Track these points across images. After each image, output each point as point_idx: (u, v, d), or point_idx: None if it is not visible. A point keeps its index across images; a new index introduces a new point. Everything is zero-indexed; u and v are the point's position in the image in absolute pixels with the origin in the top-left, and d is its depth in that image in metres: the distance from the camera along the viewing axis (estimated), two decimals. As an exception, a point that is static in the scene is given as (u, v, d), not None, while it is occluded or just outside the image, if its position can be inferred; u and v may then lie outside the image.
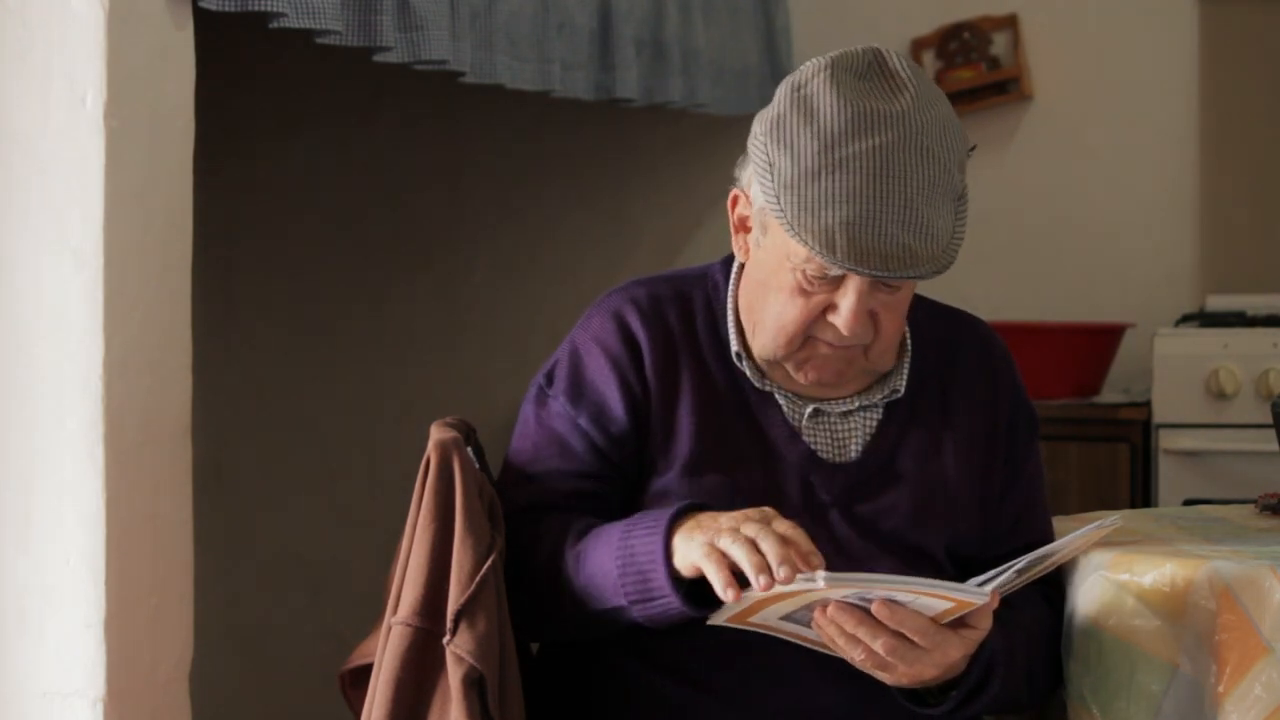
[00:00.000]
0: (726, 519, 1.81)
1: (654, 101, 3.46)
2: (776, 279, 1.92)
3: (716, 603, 1.81)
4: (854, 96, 1.86)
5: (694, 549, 1.80)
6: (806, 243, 1.84)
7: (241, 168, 4.39)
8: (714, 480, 1.95)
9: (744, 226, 1.99)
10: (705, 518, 1.83)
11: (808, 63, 1.93)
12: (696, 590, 1.83)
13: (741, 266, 2.03)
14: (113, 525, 2.17)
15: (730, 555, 1.76)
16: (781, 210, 1.85)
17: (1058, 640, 1.99)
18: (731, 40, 3.77)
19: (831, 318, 1.91)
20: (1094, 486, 3.47)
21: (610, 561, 1.87)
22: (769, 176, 1.87)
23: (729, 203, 2.00)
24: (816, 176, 1.84)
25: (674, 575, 1.83)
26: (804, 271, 1.89)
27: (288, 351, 4.42)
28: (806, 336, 1.93)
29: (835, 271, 1.87)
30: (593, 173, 4.26)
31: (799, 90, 1.89)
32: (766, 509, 1.82)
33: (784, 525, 1.78)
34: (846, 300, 1.89)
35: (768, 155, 1.88)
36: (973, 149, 1.94)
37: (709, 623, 1.85)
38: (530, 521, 1.98)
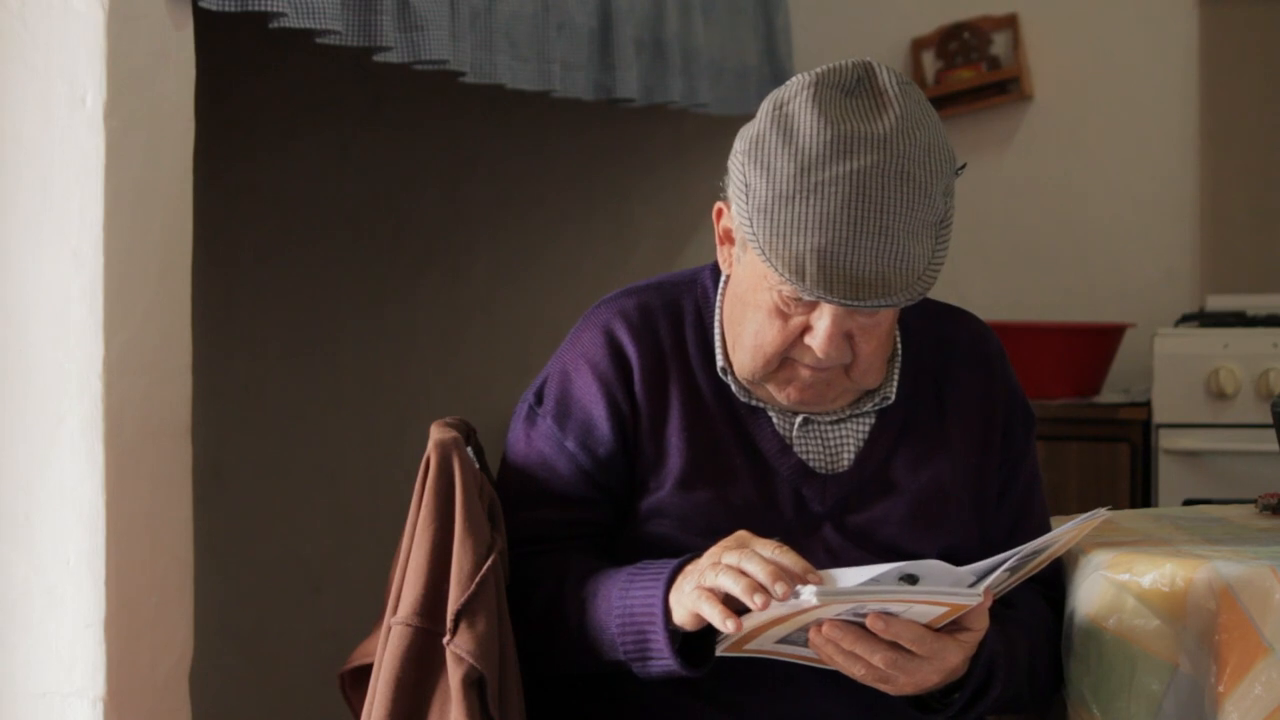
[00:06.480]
0: (707, 556, 1.80)
1: (654, 101, 3.46)
2: (755, 297, 1.91)
3: (712, 660, 1.83)
4: (836, 117, 1.83)
5: (686, 599, 1.80)
6: (777, 268, 1.81)
7: (241, 168, 4.39)
8: (705, 495, 1.94)
9: (728, 239, 1.97)
10: (692, 566, 1.83)
11: (795, 77, 1.89)
12: (693, 647, 1.85)
13: (728, 277, 2.01)
14: (113, 525, 2.17)
15: (721, 588, 1.76)
16: (754, 234, 1.83)
17: (1058, 639, 1.99)
18: (731, 40, 3.77)
19: (808, 340, 1.88)
20: (1094, 486, 3.47)
21: (609, 618, 1.87)
22: (744, 198, 1.85)
23: (714, 214, 1.98)
24: (791, 201, 1.81)
25: (672, 635, 1.83)
26: (780, 293, 1.87)
27: (288, 351, 4.42)
28: (784, 358, 1.91)
29: (807, 297, 1.85)
30: (593, 173, 4.27)
31: (780, 108, 1.86)
32: (742, 534, 1.81)
33: (766, 546, 1.77)
34: (821, 323, 1.86)
35: (744, 175, 1.85)
36: (961, 168, 1.90)
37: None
38: (523, 561, 1.97)
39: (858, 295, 1.81)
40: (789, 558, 1.75)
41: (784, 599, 1.72)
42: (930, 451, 2.00)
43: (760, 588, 1.72)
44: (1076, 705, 1.94)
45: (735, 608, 1.76)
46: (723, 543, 1.80)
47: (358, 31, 2.46)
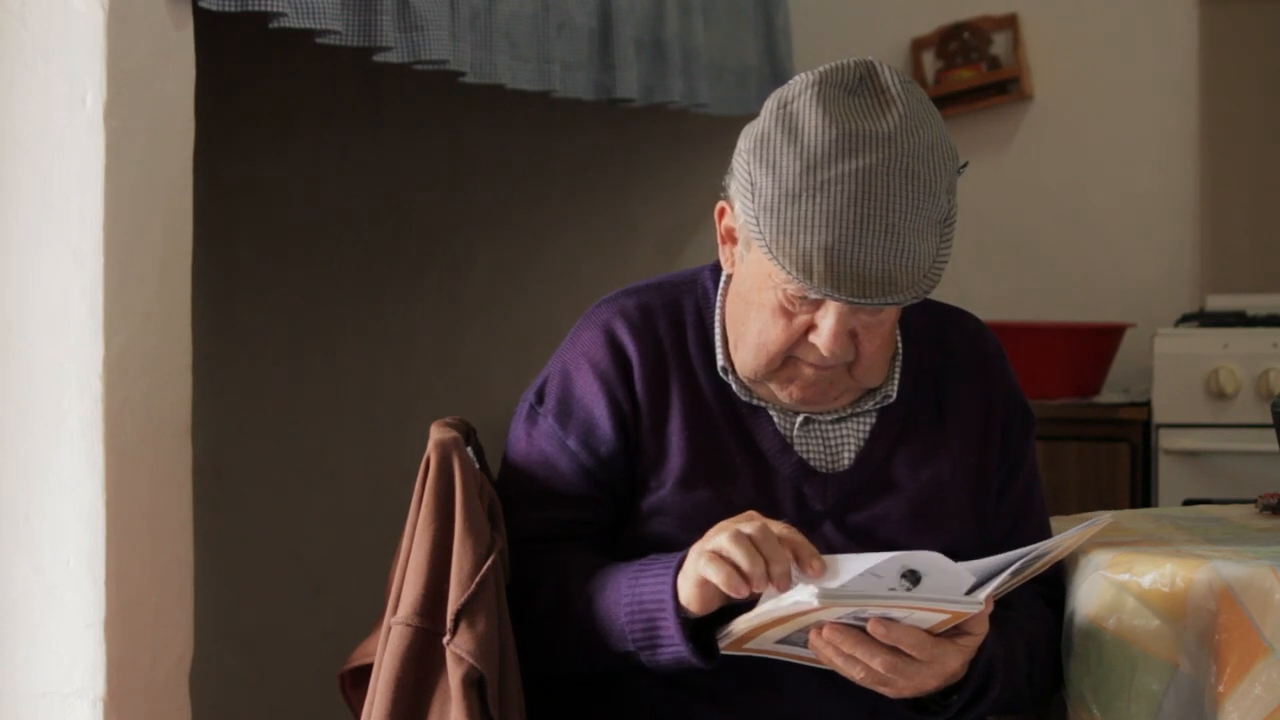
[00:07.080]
0: (721, 525, 1.81)
1: (654, 101, 3.46)
2: (759, 296, 1.91)
3: (719, 653, 1.83)
4: (840, 116, 1.84)
5: (691, 567, 1.81)
6: (784, 266, 1.82)
7: (242, 168, 4.39)
8: (706, 495, 1.94)
9: (731, 238, 1.97)
10: (701, 541, 1.84)
11: (798, 76, 1.90)
12: (700, 638, 1.85)
13: (729, 277, 2.02)
14: (113, 525, 2.17)
15: (731, 558, 1.77)
16: (760, 232, 1.84)
17: (1058, 640, 1.99)
18: (731, 40, 3.77)
19: (812, 338, 1.89)
20: (1094, 486, 3.47)
21: (618, 608, 1.87)
22: (750, 196, 1.85)
23: (716, 214, 1.98)
24: (797, 199, 1.82)
25: (682, 621, 1.83)
26: (785, 291, 1.87)
27: (288, 351, 4.42)
28: (788, 356, 1.92)
29: (815, 294, 1.85)
30: (593, 173, 4.26)
31: (785, 107, 1.87)
32: (752, 512, 1.82)
33: (779, 526, 1.79)
34: (826, 321, 1.87)
35: (750, 174, 1.86)
36: (963, 167, 1.91)
37: None
38: (528, 560, 1.97)
39: (865, 293, 1.81)
40: (802, 543, 1.77)
41: (787, 581, 1.74)
42: (930, 450, 2.00)
43: (767, 574, 1.75)
44: (1076, 705, 1.94)
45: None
46: (737, 517, 1.81)
47: (358, 31, 2.47)
